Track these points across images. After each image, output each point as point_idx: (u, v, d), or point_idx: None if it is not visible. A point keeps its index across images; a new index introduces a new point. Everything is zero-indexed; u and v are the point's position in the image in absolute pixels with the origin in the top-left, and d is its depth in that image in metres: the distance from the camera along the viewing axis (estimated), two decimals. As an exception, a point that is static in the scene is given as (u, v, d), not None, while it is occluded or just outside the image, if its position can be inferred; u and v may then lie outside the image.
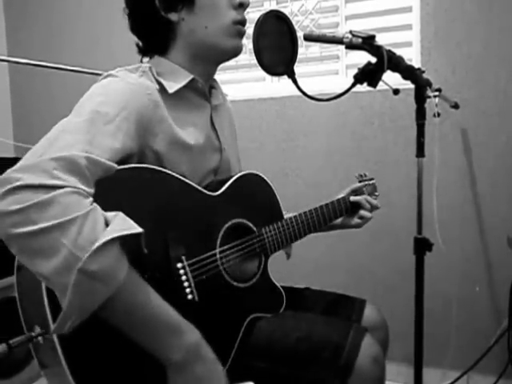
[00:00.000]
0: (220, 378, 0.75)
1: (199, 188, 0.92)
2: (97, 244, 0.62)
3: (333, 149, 1.97)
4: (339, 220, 1.25)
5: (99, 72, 1.63)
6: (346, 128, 1.94)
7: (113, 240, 0.64)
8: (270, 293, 1.04)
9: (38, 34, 2.45)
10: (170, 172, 0.87)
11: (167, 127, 0.89)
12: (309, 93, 1.01)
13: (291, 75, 1.00)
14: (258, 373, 0.94)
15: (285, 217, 1.12)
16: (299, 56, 1.01)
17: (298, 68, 0.98)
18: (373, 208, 1.25)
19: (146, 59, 1.00)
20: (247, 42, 2.13)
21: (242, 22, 0.95)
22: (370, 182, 1.35)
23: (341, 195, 1.25)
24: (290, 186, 2.04)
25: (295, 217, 1.11)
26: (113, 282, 0.64)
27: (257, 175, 1.08)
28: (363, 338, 0.93)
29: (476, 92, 1.75)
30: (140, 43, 0.99)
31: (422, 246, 1.11)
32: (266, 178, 1.10)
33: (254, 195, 1.06)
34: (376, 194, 1.37)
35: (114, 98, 0.81)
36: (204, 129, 0.99)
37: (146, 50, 0.99)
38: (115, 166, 0.75)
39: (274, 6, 2.10)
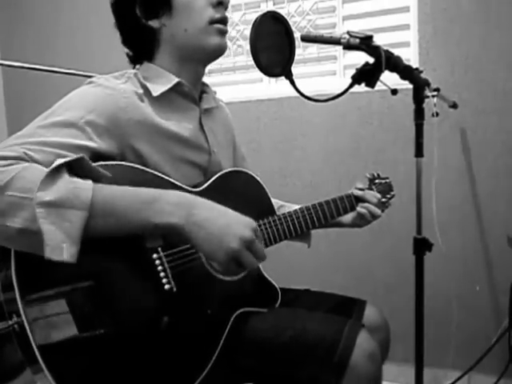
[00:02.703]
0: (223, 211, 0.80)
1: (178, 183, 0.92)
2: (42, 178, 0.67)
3: (331, 149, 1.97)
4: (348, 219, 1.21)
5: (94, 75, 1.62)
6: (345, 129, 1.94)
7: (57, 169, 0.69)
8: (263, 288, 1.04)
9: (32, 38, 2.44)
10: (147, 169, 0.88)
11: (149, 125, 0.90)
12: (306, 94, 1.01)
13: (289, 76, 1.00)
14: (253, 372, 0.94)
15: (288, 209, 1.11)
16: (296, 57, 1.01)
17: (295, 69, 0.98)
18: (379, 204, 1.20)
19: (137, 67, 1.02)
20: (244, 44, 2.13)
21: (221, 21, 0.95)
22: (383, 181, 1.29)
23: (347, 192, 1.21)
24: (289, 188, 2.03)
25: (289, 213, 1.09)
26: (80, 204, 0.69)
27: (243, 172, 1.07)
28: (358, 334, 0.91)
29: (475, 91, 1.75)
30: (130, 53, 1.02)
31: (421, 246, 1.10)
32: (253, 174, 1.09)
33: (241, 191, 1.05)
34: (392, 193, 1.30)
35: (83, 102, 0.84)
36: (192, 130, 0.99)
37: (135, 59, 1.02)
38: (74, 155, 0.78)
39: (270, 7, 2.10)
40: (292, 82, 1.00)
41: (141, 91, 0.91)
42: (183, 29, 0.94)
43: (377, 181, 1.28)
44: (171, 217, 0.75)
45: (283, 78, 1.00)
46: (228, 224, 0.77)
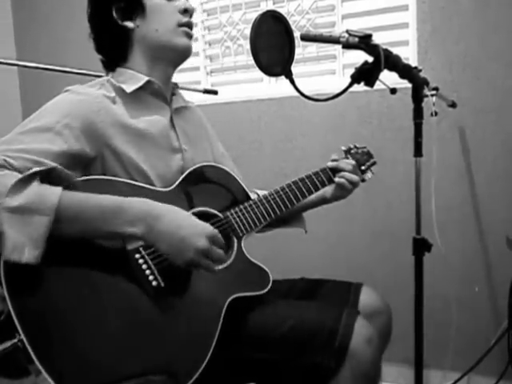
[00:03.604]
0: (181, 221, 0.85)
1: (149, 187, 0.96)
2: (11, 184, 0.72)
3: (331, 149, 1.94)
4: (329, 192, 1.22)
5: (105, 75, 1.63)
6: (344, 128, 1.94)
7: (29, 177, 0.74)
8: (252, 272, 1.05)
9: (46, 39, 2.46)
10: (118, 179, 0.92)
11: (122, 125, 0.96)
12: (306, 93, 1.01)
13: (289, 75, 1.00)
14: (254, 364, 0.96)
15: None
16: (296, 56, 1.01)
17: (295, 68, 0.98)
18: (356, 171, 1.20)
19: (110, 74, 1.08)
20: (245, 43, 2.12)
21: (188, 25, 1.04)
22: (359, 150, 1.28)
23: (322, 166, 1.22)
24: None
25: (265, 195, 1.12)
26: (45, 209, 0.74)
27: (210, 165, 1.10)
28: (356, 320, 0.94)
29: (473, 90, 1.75)
30: (104, 59, 1.09)
31: (420, 247, 1.10)
32: (222, 166, 1.12)
33: (213, 183, 1.09)
34: (372, 160, 1.28)
35: (57, 109, 0.91)
36: (163, 128, 1.04)
37: (109, 64, 1.08)
38: (52, 164, 0.82)
39: (270, 6, 2.10)
40: (292, 82, 1.00)
41: (113, 95, 0.99)
42: (155, 29, 1.02)
43: (352, 151, 1.29)
44: (133, 228, 0.81)
45: (283, 77, 1.00)
46: (184, 237, 0.83)
